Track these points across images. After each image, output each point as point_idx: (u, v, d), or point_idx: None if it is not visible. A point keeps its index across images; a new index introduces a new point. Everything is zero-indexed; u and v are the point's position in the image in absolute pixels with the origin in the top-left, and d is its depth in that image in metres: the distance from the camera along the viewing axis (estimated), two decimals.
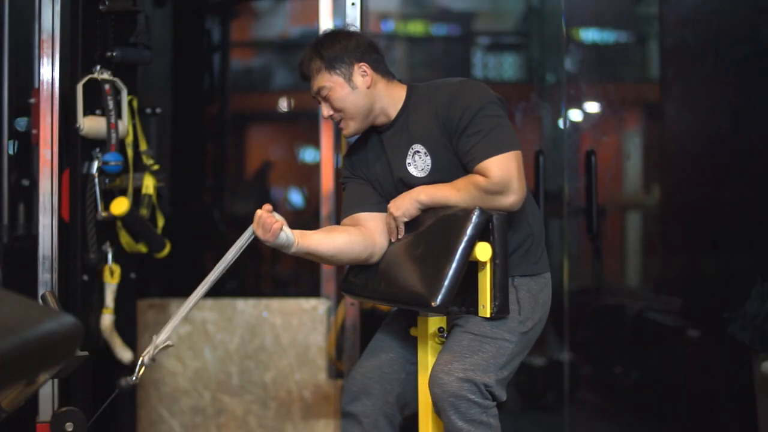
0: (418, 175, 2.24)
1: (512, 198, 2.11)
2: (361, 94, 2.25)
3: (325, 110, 2.29)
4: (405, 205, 2.20)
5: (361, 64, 2.25)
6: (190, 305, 2.17)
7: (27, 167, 3.07)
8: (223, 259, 2.17)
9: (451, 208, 2.14)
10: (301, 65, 2.30)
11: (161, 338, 2.13)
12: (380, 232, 2.27)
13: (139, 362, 2.12)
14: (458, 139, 2.16)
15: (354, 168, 2.37)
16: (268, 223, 2.10)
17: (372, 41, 2.32)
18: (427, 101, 2.24)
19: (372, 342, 2.38)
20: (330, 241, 2.21)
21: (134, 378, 2.11)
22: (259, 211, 2.13)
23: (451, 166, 2.19)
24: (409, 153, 2.25)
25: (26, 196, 3.06)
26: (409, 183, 2.25)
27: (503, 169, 2.10)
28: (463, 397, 2.02)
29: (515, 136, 2.17)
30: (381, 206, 2.30)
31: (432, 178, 2.22)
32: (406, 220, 2.21)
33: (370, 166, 2.34)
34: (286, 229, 2.12)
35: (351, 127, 2.29)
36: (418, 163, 2.24)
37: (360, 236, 2.24)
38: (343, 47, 2.26)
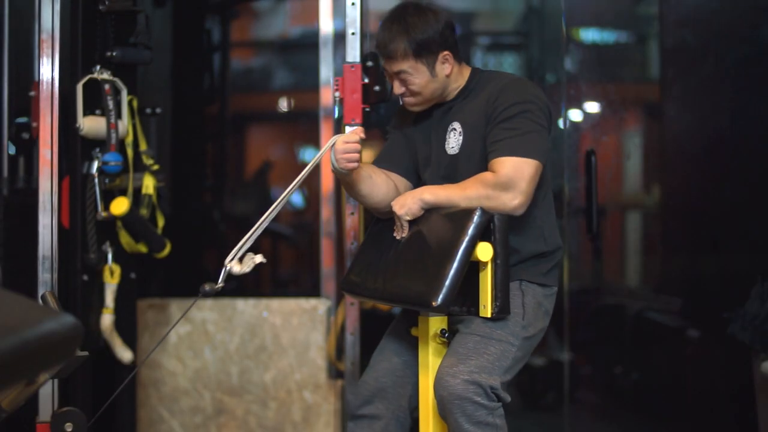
0: (450, 152, 2.28)
1: (517, 200, 2.11)
2: (439, 81, 2.28)
3: (398, 88, 2.29)
4: (408, 203, 2.20)
5: (446, 52, 2.26)
6: (270, 216, 2.18)
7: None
8: (306, 170, 2.22)
9: (453, 207, 2.14)
10: (385, 44, 2.25)
11: (247, 249, 2.15)
12: (402, 191, 2.34)
13: (225, 269, 2.13)
14: (492, 127, 2.18)
15: (402, 122, 2.43)
16: (354, 157, 2.18)
17: (451, 20, 2.32)
18: (483, 88, 2.27)
19: (381, 345, 2.37)
20: (371, 184, 2.30)
21: (220, 284, 2.12)
22: (349, 135, 2.19)
23: (476, 149, 2.22)
24: (448, 129, 2.29)
25: (26, 148, 3.05)
26: (440, 159, 2.29)
27: (516, 168, 2.11)
28: (470, 399, 2.02)
29: (545, 150, 2.17)
30: (411, 174, 2.39)
31: (458, 157, 2.25)
32: (409, 218, 2.21)
33: (416, 130, 2.39)
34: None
35: (416, 106, 2.33)
36: (451, 140, 2.28)
37: (394, 192, 2.33)
38: (433, 31, 2.24)
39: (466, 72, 2.33)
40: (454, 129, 2.28)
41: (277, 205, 2.19)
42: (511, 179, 2.10)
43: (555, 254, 2.29)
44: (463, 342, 2.11)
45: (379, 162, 2.40)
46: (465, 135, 2.25)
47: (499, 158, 2.13)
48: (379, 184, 2.31)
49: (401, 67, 2.24)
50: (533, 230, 2.24)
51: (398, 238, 2.25)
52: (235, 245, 2.18)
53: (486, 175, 2.13)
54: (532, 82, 2.40)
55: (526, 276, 2.22)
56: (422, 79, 2.25)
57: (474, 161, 2.22)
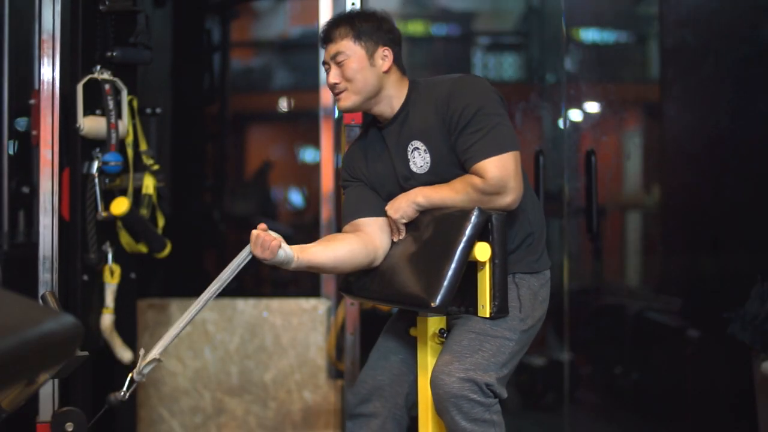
0: (419, 171, 2.23)
1: (509, 198, 2.11)
2: (375, 73, 2.24)
3: (333, 77, 2.25)
4: (402, 207, 2.20)
5: (386, 48, 2.25)
6: (183, 323, 2.12)
7: (27, 170, 3.07)
8: (218, 278, 2.12)
9: (450, 208, 2.14)
10: (327, 27, 2.27)
11: (151, 354, 2.09)
12: (381, 235, 2.25)
13: (129, 379, 2.09)
14: (457, 136, 2.15)
15: (353, 170, 2.36)
16: (267, 241, 2.08)
17: (401, 38, 2.32)
18: (427, 97, 2.23)
19: (379, 344, 2.37)
20: (330, 252, 2.20)
21: (123, 394, 2.08)
22: (255, 231, 2.10)
23: (450, 163, 2.19)
24: (408, 149, 2.24)
25: (27, 202, 3.07)
26: (410, 178, 2.24)
27: (501, 169, 2.10)
28: (465, 397, 2.02)
29: (515, 136, 2.16)
30: (380, 209, 2.28)
31: (432, 174, 2.21)
32: (404, 221, 2.21)
33: (369, 166, 2.33)
34: (285, 246, 2.10)
35: (350, 101, 2.26)
36: (417, 159, 2.23)
37: (360, 243, 2.22)
38: (376, 25, 2.25)
39: (405, 85, 2.30)
40: (417, 148, 2.23)
41: (193, 312, 2.12)
42: (500, 180, 2.09)
43: (541, 234, 2.28)
44: (458, 339, 2.11)
45: (348, 217, 2.31)
46: (432, 153, 2.20)
47: (480, 163, 2.11)
48: (340, 250, 2.21)
49: (340, 48, 2.23)
50: (522, 217, 2.23)
51: (395, 240, 2.25)
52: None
53: (475, 180, 2.11)
54: (472, 75, 2.35)
55: (519, 268, 2.21)
56: (358, 63, 2.22)
57: (448, 173, 2.19)
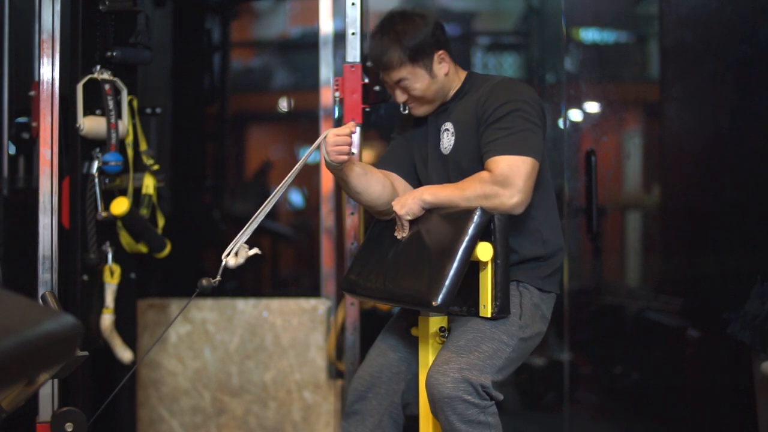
0: (444, 152, 2.30)
1: (515, 198, 2.11)
2: (439, 82, 2.30)
3: (400, 97, 2.32)
4: (409, 203, 2.21)
5: (440, 52, 2.29)
6: (264, 212, 2.19)
7: (26, 113, 3.06)
8: (298, 165, 2.21)
9: (453, 207, 2.14)
10: (380, 56, 2.27)
11: (242, 243, 2.17)
12: (401, 193, 2.33)
13: (223, 263, 2.16)
14: (485, 128, 2.19)
15: (404, 129, 2.45)
16: (345, 150, 2.17)
17: (439, 21, 2.36)
18: (477, 90, 2.29)
19: (378, 342, 2.38)
20: (367, 181, 2.27)
21: (216, 280, 2.15)
22: (340, 129, 2.18)
23: (468, 149, 2.22)
24: (441, 130, 2.31)
25: (26, 148, 3.05)
26: (434, 159, 2.31)
27: (511, 166, 2.11)
28: (459, 398, 2.01)
29: (540, 147, 2.17)
30: (410, 177, 2.39)
31: (451, 156, 2.27)
32: (410, 218, 2.22)
33: (414, 136, 2.41)
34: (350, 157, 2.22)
35: (422, 110, 2.35)
36: (444, 140, 2.30)
37: (390, 191, 2.32)
38: (424, 34, 2.26)
39: (462, 75, 2.36)
40: (447, 129, 2.30)
41: (272, 199, 2.20)
42: (507, 177, 2.10)
43: (554, 258, 2.28)
44: (455, 340, 2.11)
45: (379, 164, 2.41)
46: (457, 135, 2.26)
47: (494, 158, 2.13)
48: (374, 181, 2.30)
49: (400, 75, 2.27)
50: (531, 232, 2.24)
51: (399, 237, 2.25)
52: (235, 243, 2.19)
53: (483, 174, 2.14)
54: (523, 82, 2.41)
55: (524, 278, 2.22)
56: (422, 83, 2.28)
57: (465, 161, 2.23)
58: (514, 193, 2.10)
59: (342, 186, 2.34)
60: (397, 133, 2.47)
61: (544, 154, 2.24)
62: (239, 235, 2.19)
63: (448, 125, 2.29)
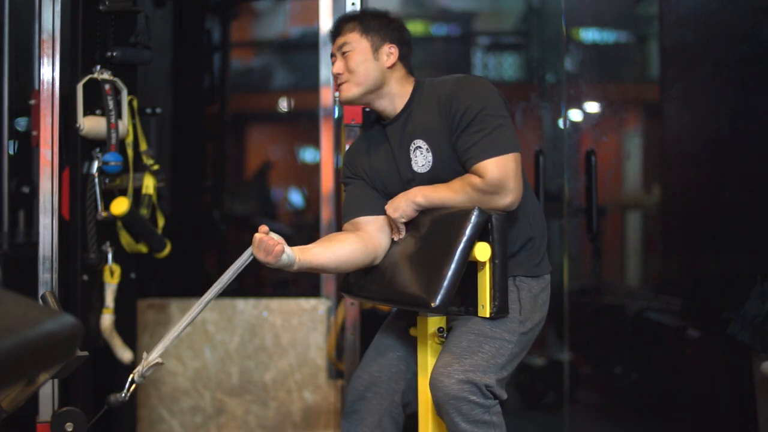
0: (420, 171, 2.23)
1: (509, 198, 2.11)
2: (378, 67, 2.27)
3: (337, 67, 2.29)
4: (402, 206, 2.20)
5: (392, 45, 2.29)
6: (184, 324, 2.12)
7: (27, 170, 3.07)
8: (219, 280, 2.13)
9: (450, 208, 2.14)
10: (338, 21, 2.34)
11: (152, 356, 2.10)
12: (381, 234, 2.26)
13: (129, 380, 2.10)
14: (459, 136, 2.16)
15: (354, 167, 2.36)
16: (270, 246, 2.07)
17: (410, 39, 2.36)
18: (430, 96, 2.24)
19: (376, 341, 2.38)
20: (331, 253, 2.20)
21: (124, 395, 2.09)
22: (258, 235, 2.09)
23: (451, 162, 2.19)
24: (411, 148, 2.25)
25: (27, 202, 3.07)
26: (411, 178, 2.25)
27: (500, 169, 2.10)
28: (464, 398, 2.02)
29: (515, 138, 2.16)
30: (381, 208, 2.29)
31: (433, 174, 2.22)
32: (404, 221, 2.21)
33: (372, 163, 2.33)
34: (287, 249, 2.11)
35: (351, 92, 2.28)
36: (419, 159, 2.24)
37: (361, 243, 2.23)
38: (385, 23, 2.31)
39: (410, 85, 2.31)
40: (419, 147, 2.23)
41: (193, 314, 2.12)
42: (499, 181, 2.09)
43: (542, 239, 2.29)
44: (457, 341, 2.11)
45: (348, 215, 2.32)
46: (434, 152, 2.21)
47: (480, 163, 2.11)
48: (340, 251, 2.21)
49: (346, 39, 2.28)
50: (523, 220, 2.23)
51: (396, 239, 2.25)
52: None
53: (474, 180, 2.12)
54: (475, 76, 2.37)
55: (519, 271, 2.22)
56: (362, 55, 2.26)
57: (451, 173, 2.19)
58: (507, 195, 2.11)
59: (317, 272, 2.29)
60: (347, 177, 2.38)
61: (518, 142, 2.22)
62: (149, 353, 2.12)
63: (419, 143, 2.23)
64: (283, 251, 2.09)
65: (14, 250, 2.96)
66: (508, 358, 2.13)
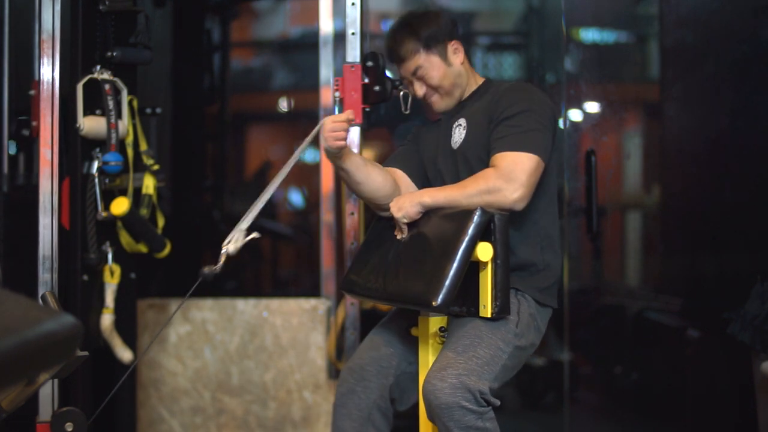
0: (453, 146, 2.31)
1: (517, 193, 2.11)
2: (456, 70, 2.34)
3: (419, 89, 2.35)
4: (405, 206, 2.20)
5: (454, 41, 2.33)
6: (263, 200, 2.23)
7: (27, 113, 3.06)
8: (294, 156, 2.25)
9: (453, 208, 2.14)
10: (394, 47, 2.34)
11: (243, 225, 2.17)
12: (404, 189, 2.36)
13: (223, 251, 2.15)
14: (496, 125, 2.21)
15: (415, 136, 2.48)
16: (342, 136, 2.18)
17: (454, 19, 2.42)
18: (493, 93, 2.31)
19: (371, 336, 2.37)
20: (367, 171, 2.28)
21: (217, 267, 2.13)
22: (337, 117, 2.20)
23: (479, 147, 2.24)
24: (453, 126, 2.33)
25: (27, 145, 3.06)
26: (444, 154, 2.33)
27: (515, 162, 2.13)
28: (457, 404, 1.99)
29: (547, 147, 2.19)
30: (416, 176, 2.40)
31: (462, 150, 2.28)
32: (406, 221, 2.21)
33: (423, 135, 2.44)
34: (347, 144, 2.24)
35: (443, 104, 2.37)
36: (455, 135, 2.32)
37: (392, 185, 2.32)
38: (437, 24, 2.33)
39: (480, 79, 2.40)
40: (459, 125, 2.31)
41: (272, 187, 2.23)
42: (511, 171, 2.11)
43: (552, 269, 2.28)
44: (453, 345, 2.10)
45: (385, 163, 2.43)
46: (468, 130, 2.28)
47: (499, 153, 2.16)
48: (374, 172, 2.30)
49: (416, 64, 2.31)
50: (531, 236, 2.24)
51: (399, 238, 2.25)
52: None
53: (486, 171, 2.16)
54: (537, 88, 2.44)
55: (521, 286, 2.22)
56: (438, 70, 2.31)
57: (473, 155, 2.24)
58: (516, 188, 2.11)
59: (343, 177, 2.34)
60: (407, 140, 2.51)
61: (552, 162, 2.26)
62: (238, 223, 2.20)
63: (461, 121, 2.32)
64: (343, 146, 2.20)
65: (14, 193, 2.95)
66: (501, 370, 2.11)
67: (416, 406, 2.29)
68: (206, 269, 2.14)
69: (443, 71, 2.31)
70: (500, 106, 2.22)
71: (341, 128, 2.18)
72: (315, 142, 2.31)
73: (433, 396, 2.01)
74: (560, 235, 2.37)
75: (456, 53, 2.33)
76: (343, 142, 2.19)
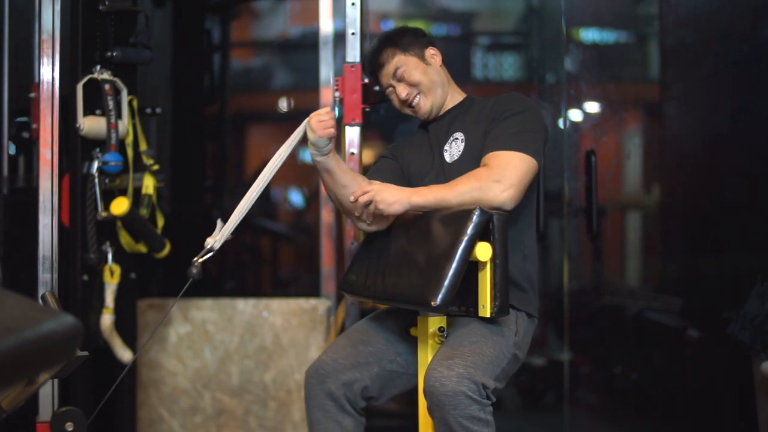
0: (449, 160, 2.31)
1: (507, 192, 2.12)
2: (434, 69, 2.39)
3: (402, 90, 2.37)
4: (390, 198, 2.16)
5: (431, 48, 2.41)
6: (248, 203, 2.29)
7: (26, 113, 3.06)
8: (278, 153, 2.28)
9: (451, 208, 2.14)
10: (373, 57, 2.42)
11: (227, 227, 2.24)
12: None
13: (207, 247, 2.22)
14: (493, 126, 2.24)
15: (394, 151, 2.48)
16: (330, 124, 2.18)
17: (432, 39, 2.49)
18: (483, 105, 2.35)
19: (352, 330, 2.35)
20: (352, 175, 2.29)
21: (199, 263, 2.21)
22: (320, 111, 2.21)
23: (478, 157, 2.24)
24: (448, 140, 2.34)
25: (26, 147, 3.06)
26: (438, 168, 2.33)
27: (507, 161, 2.14)
28: (463, 393, 1.98)
29: (539, 150, 2.21)
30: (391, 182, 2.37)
31: (461, 163, 2.27)
32: (381, 212, 2.17)
33: (411, 152, 2.43)
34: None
35: (427, 103, 2.38)
36: (453, 149, 2.32)
37: None
38: (413, 35, 2.41)
39: (462, 93, 2.45)
40: (456, 138, 2.33)
41: (261, 184, 2.28)
42: (502, 170, 2.12)
43: (533, 280, 2.31)
44: (459, 340, 2.11)
45: (368, 176, 2.41)
46: (467, 142, 2.29)
47: (492, 152, 2.18)
48: (358, 177, 2.31)
49: (395, 64, 2.36)
50: (518, 246, 2.26)
51: (357, 214, 2.22)
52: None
53: (478, 170, 2.17)
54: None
55: (524, 307, 2.26)
56: (417, 67, 2.36)
57: (474, 168, 2.22)
58: (506, 187, 2.11)
59: (326, 181, 2.29)
60: (383, 157, 2.50)
61: (539, 169, 2.26)
62: (225, 226, 2.27)
63: (458, 135, 2.33)
64: (333, 134, 2.20)
65: (14, 195, 2.95)
66: (501, 373, 2.13)
67: (414, 403, 2.29)
68: (194, 269, 2.16)
69: (422, 68, 2.37)
70: (496, 111, 2.27)
71: (328, 118, 2.19)
72: (303, 141, 2.32)
73: (439, 383, 1.99)
74: (536, 243, 2.39)
75: (434, 57, 2.40)
76: (332, 130, 2.20)
